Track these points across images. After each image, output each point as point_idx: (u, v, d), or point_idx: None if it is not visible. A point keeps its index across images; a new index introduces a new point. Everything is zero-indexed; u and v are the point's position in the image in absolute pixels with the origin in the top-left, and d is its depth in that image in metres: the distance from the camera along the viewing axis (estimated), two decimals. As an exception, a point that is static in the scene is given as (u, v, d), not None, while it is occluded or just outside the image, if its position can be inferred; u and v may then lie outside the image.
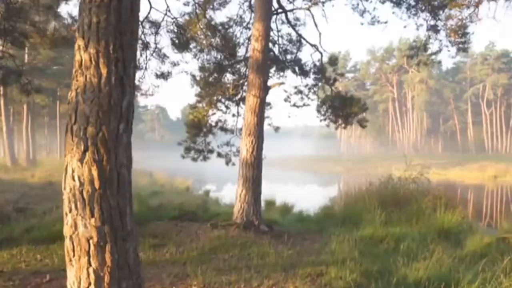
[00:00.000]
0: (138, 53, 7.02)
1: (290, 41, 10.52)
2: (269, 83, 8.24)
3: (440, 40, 8.07)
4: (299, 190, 31.80)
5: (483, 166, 43.46)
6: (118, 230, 2.72)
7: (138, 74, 7.36)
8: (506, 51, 70.40)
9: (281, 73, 10.68)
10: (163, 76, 7.99)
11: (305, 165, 66.24)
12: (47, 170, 23.99)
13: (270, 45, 10.03)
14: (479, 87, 73.24)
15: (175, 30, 7.90)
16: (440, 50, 8.18)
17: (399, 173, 11.58)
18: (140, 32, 7.10)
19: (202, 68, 9.15)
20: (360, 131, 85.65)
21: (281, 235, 7.55)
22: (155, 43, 7.90)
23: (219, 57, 9.37)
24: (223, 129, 9.83)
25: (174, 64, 8.26)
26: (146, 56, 7.70)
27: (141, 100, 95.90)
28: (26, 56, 32.96)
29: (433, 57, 8.26)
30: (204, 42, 8.20)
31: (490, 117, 72.78)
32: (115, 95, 2.74)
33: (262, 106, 7.67)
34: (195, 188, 24.13)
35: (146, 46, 7.41)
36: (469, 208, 15.37)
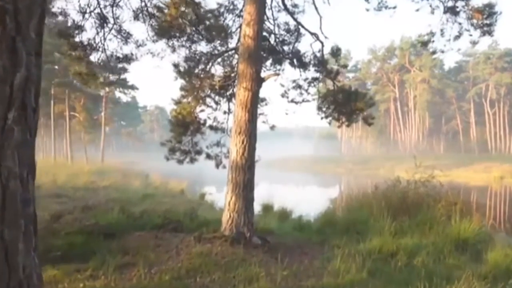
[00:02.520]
0: (93, 30, 6.02)
1: (288, 30, 9.51)
2: (264, 75, 7.23)
3: (460, 24, 7.05)
4: (299, 193, 30.78)
5: (488, 167, 42.39)
6: (1, 279, 1.71)
7: (95, 57, 6.24)
8: (509, 50, 69.33)
9: (278, 66, 9.67)
10: (127, 59, 6.87)
11: (305, 166, 65.28)
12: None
13: (266, 34, 9.05)
14: (482, 87, 72.17)
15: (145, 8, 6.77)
16: (460, 35, 7.14)
17: (407, 175, 10.66)
18: (95, 3, 6.08)
19: (187, 58, 8.11)
20: (361, 132, 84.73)
21: (277, 249, 6.56)
22: (114, 17, 6.68)
23: (206, 45, 8.38)
24: (213, 128, 8.79)
25: (139, 45, 7.12)
26: (104, 34, 6.52)
27: (140, 101, 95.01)
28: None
29: (451, 43, 7.27)
30: (180, 19, 7.10)
31: (494, 117, 71.66)
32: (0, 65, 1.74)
33: (254, 100, 6.67)
34: (191, 191, 23.12)
35: (104, 21, 6.26)
36: (482, 213, 14.35)
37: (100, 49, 6.05)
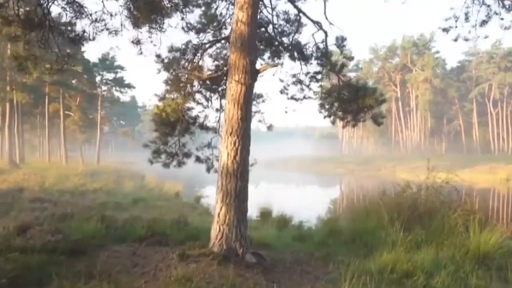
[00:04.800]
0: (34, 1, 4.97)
1: (288, 20, 8.60)
2: (260, 67, 6.32)
3: (489, 6, 6.13)
4: (299, 195, 29.88)
5: (493, 168, 41.45)
6: None
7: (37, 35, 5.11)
8: (513, 49, 68.37)
9: (277, 60, 8.74)
10: (78, 39, 5.72)
11: (306, 166, 64.39)
12: (25, 174, 22.05)
13: (263, 22, 8.13)
14: (484, 86, 71.20)
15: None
16: (488, 20, 6.22)
17: (411, 176, 9.78)
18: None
19: (171, 48, 7.14)
20: (362, 132, 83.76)
21: (274, 268, 5.67)
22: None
23: (195, 34, 7.44)
24: (203, 127, 7.86)
25: (94, 20, 5.89)
26: (48, 5, 5.24)
27: (139, 100, 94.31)
28: (8, 51, 31.12)
29: (477, 29, 6.31)
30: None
31: (496, 117, 70.72)
32: None
33: (248, 95, 5.77)
34: (188, 193, 22.23)
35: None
36: (496, 219, 13.41)
37: (45, 25, 4.95)
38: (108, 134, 70.93)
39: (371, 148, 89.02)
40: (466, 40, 6.49)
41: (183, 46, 7.20)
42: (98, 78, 44.95)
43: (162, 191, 21.52)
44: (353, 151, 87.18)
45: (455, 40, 6.51)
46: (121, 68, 45.46)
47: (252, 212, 13.03)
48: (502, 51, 68.54)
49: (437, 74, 73.37)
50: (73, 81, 41.00)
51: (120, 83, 46.61)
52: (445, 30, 6.58)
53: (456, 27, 6.41)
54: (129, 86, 46.73)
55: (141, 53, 6.81)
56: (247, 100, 5.78)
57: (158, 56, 7.15)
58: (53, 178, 20.74)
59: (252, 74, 5.79)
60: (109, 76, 45.75)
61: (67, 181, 19.99)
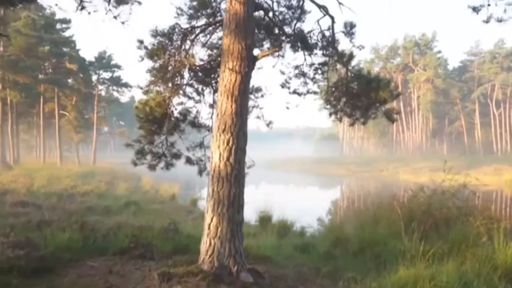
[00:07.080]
0: None
1: (290, 7, 7.76)
2: (258, 53, 5.46)
3: (531, -23, 5.26)
4: (301, 197, 28.98)
5: (498, 169, 40.59)
6: None
7: None
8: (516, 48, 67.45)
9: (279, 51, 7.88)
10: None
11: (306, 167, 63.48)
12: (14, 175, 21.16)
13: (262, 10, 7.27)
14: (487, 87, 70.29)
15: None
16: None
17: (424, 180, 8.96)
18: None
19: (155, 33, 6.25)
20: (363, 132, 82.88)
21: (274, 289, 4.83)
22: None
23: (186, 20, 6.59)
24: (195, 125, 7.00)
25: None
26: None
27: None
28: (1, 48, 30.31)
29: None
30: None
31: (499, 117, 69.78)
32: None
33: (244, 86, 4.93)
34: (185, 195, 21.36)
35: None
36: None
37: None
38: (107, 135, 70.08)
39: (372, 149, 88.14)
40: (500, 21, 5.60)
41: (169, 30, 6.34)
42: (94, 77, 44.12)
43: (157, 193, 20.68)
44: (354, 152, 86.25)
45: (487, 21, 5.63)
46: (118, 67, 44.61)
47: (251, 216, 12.23)
48: (505, 50, 67.62)
49: (439, 74, 72.41)
50: (69, 80, 40.16)
51: (117, 82, 45.72)
52: (475, 9, 5.69)
53: (489, 5, 5.52)
54: (126, 85, 45.82)
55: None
56: (243, 92, 4.94)
57: (141, 42, 6.27)
58: (43, 179, 19.86)
59: (249, 62, 4.95)
60: (106, 75, 44.94)
61: (58, 183, 19.11)
